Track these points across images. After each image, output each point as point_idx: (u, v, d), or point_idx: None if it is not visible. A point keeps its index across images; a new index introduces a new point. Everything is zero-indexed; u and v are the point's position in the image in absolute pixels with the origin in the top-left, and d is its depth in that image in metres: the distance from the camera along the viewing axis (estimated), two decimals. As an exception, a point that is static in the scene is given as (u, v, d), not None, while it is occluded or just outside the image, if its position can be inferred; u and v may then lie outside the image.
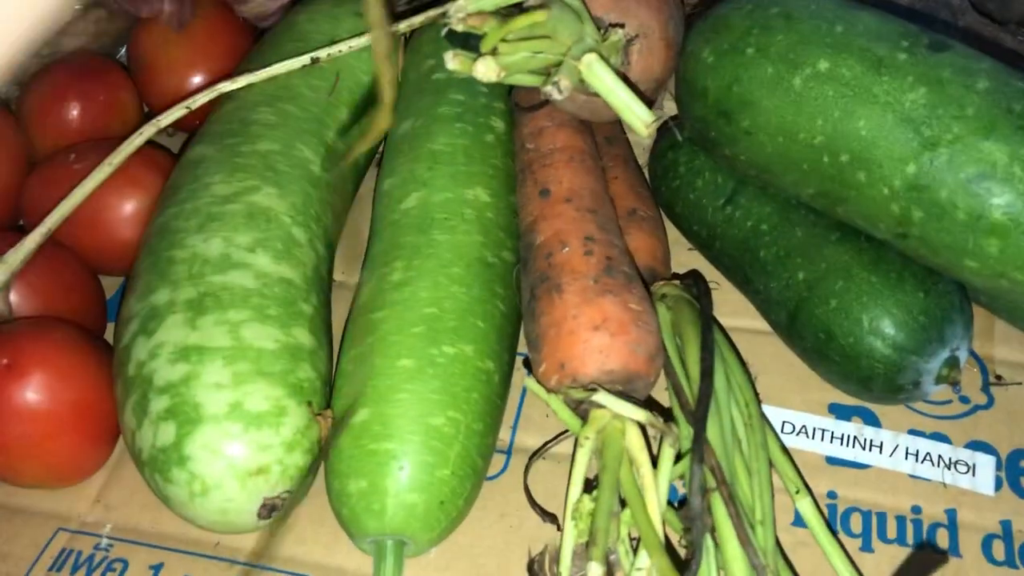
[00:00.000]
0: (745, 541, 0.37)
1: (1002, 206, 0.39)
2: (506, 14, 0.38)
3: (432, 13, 0.55)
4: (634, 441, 0.40)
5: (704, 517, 0.38)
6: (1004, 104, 0.39)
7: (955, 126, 0.39)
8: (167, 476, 0.42)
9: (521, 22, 0.37)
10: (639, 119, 0.39)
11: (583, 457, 0.40)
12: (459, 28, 0.38)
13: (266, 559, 0.46)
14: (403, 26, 0.55)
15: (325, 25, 0.59)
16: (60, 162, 0.56)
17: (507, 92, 0.56)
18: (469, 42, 0.39)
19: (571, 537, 0.39)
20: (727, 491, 0.38)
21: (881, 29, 0.43)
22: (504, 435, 0.50)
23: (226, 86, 0.54)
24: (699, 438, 0.38)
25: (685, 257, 0.56)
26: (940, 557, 0.43)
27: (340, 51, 0.55)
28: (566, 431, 0.47)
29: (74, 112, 0.60)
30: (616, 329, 0.41)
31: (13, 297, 0.50)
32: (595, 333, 0.41)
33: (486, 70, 0.37)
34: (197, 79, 0.61)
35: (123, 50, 0.66)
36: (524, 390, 0.52)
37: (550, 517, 0.45)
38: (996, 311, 0.50)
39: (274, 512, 0.43)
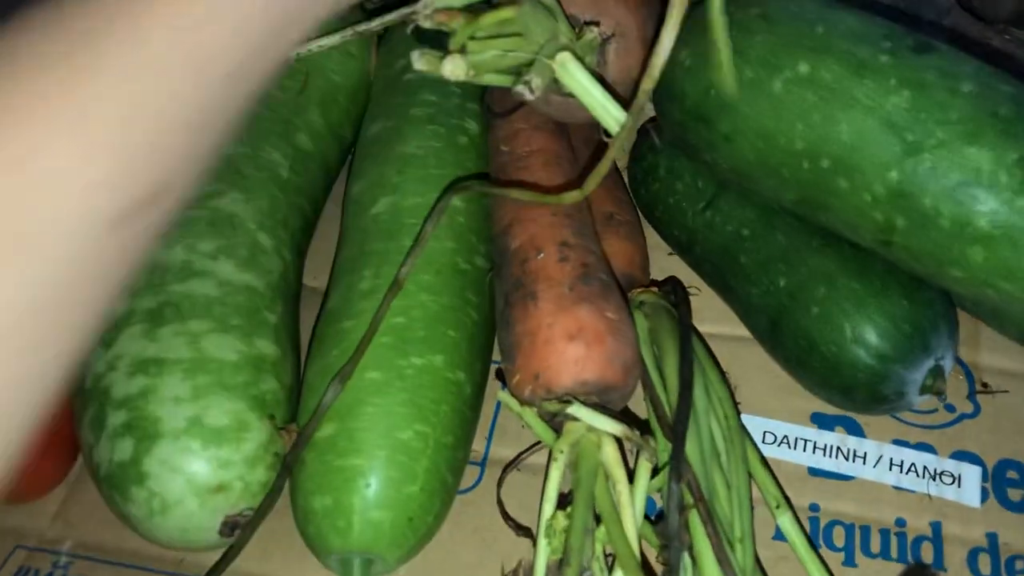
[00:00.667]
0: (724, 561, 0.35)
1: (987, 214, 0.37)
2: (475, 10, 0.37)
3: (406, 11, 0.53)
4: (610, 455, 0.39)
5: (681, 535, 0.36)
6: (989, 108, 0.38)
7: (939, 131, 0.38)
8: (125, 494, 0.41)
9: (490, 19, 0.35)
10: (614, 120, 0.38)
11: (556, 471, 0.39)
12: (427, 25, 0.36)
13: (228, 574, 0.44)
14: (376, 24, 0.54)
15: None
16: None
17: (481, 93, 0.54)
18: (440, 41, 0.38)
19: (544, 555, 0.38)
20: (705, 508, 0.36)
21: (863, 30, 0.41)
22: (479, 446, 0.49)
23: None
24: (678, 455, 0.37)
25: (665, 262, 0.54)
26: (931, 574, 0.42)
27: (310, 49, 0.54)
28: (540, 442, 0.45)
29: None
30: (592, 339, 0.40)
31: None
32: (571, 344, 0.40)
33: (454, 69, 0.36)
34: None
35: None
36: (499, 401, 0.50)
37: (524, 531, 0.44)
38: (982, 316, 0.49)
39: (235, 530, 0.42)
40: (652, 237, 0.54)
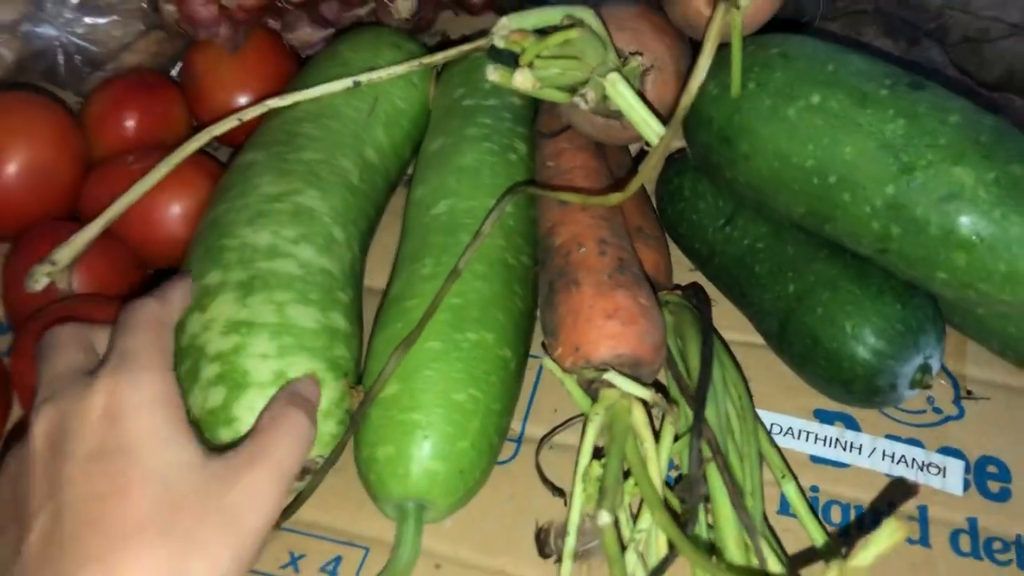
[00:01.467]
0: (738, 505, 0.41)
1: (968, 224, 0.44)
2: (543, 33, 0.44)
3: (464, 48, 0.61)
4: (639, 418, 0.45)
5: (701, 484, 0.42)
6: (973, 136, 0.45)
7: (929, 153, 0.45)
8: (214, 436, 0.46)
9: (557, 38, 0.43)
10: (654, 133, 0.45)
11: (593, 430, 0.45)
12: (501, 45, 0.43)
13: (292, 523, 0.50)
14: (439, 58, 0.61)
15: (366, 54, 0.65)
16: (119, 163, 0.61)
17: (530, 121, 0.61)
18: (508, 60, 0.45)
19: (580, 499, 0.43)
20: (722, 460, 0.42)
21: (867, 69, 0.48)
22: (515, 425, 0.55)
23: (275, 102, 0.59)
24: (699, 414, 0.43)
25: (686, 277, 0.61)
26: (912, 486, 0.48)
27: (380, 77, 0.61)
28: (574, 418, 0.52)
29: (131, 122, 0.66)
30: (627, 319, 0.46)
31: (73, 277, 0.55)
32: (608, 321, 0.46)
33: (523, 80, 0.43)
34: (245, 98, 0.67)
35: (177, 68, 0.71)
36: (535, 386, 0.56)
37: (559, 492, 0.49)
38: (967, 331, 0.55)
39: (306, 475, 0.48)
40: (674, 254, 0.61)
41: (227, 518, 0.36)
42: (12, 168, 0.61)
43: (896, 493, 0.51)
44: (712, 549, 0.44)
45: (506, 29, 0.43)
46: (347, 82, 0.61)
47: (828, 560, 0.33)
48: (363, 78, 0.61)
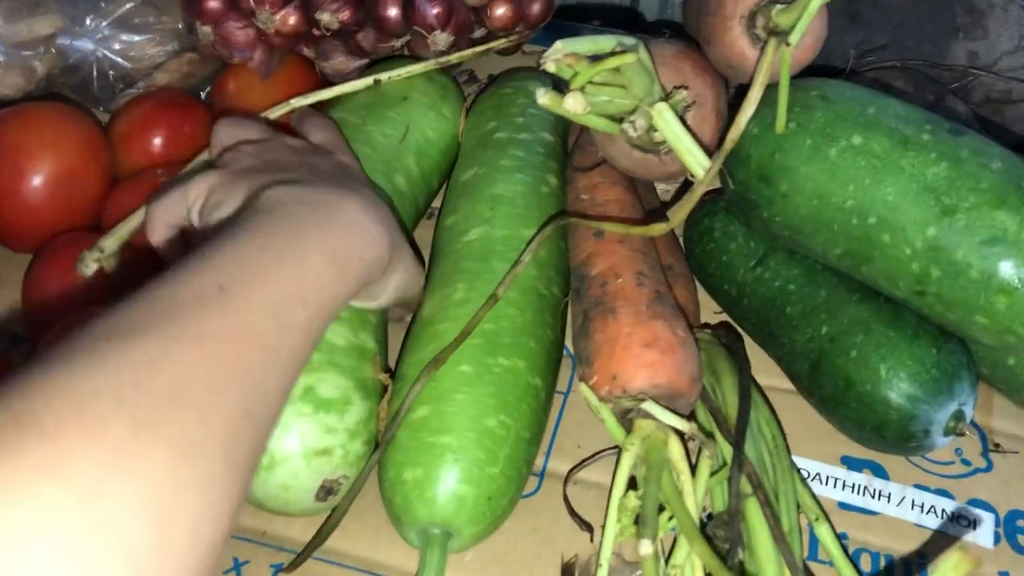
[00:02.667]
0: (780, 539, 0.40)
1: (1010, 268, 0.44)
2: (595, 59, 0.44)
3: (478, 48, 0.63)
4: (675, 450, 0.44)
5: (739, 518, 0.41)
6: (1015, 181, 0.45)
7: (971, 196, 0.45)
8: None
9: (610, 63, 0.43)
10: (699, 164, 0.45)
11: (628, 461, 0.44)
12: (552, 69, 0.44)
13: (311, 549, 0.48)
14: (455, 57, 0.63)
15: (399, 83, 0.65)
16: (146, 176, 0.61)
17: (561, 156, 0.62)
18: (556, 86, 0.45)
19: (614, 531, 0.42)
20: (763, 495, 0.41)
21: (907, 114, 0.49)
22: (538, 460, 0.53)
23: (298, 101, 0.60)
24: (739, 447, 0.42)
25: (712, 320, 0.60)
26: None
27: (399, 74, 0.62)
28: (603, 451, 0.51)
29: (158, 140, 0.65)
30: (665, 348, 0.46)
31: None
32: (646, 350, 0.46)
33: (575, 104, 0.43)
34: (274, 123, 0.67)
35: (207, 90, 0.71)
36: (558, 421, 0.55)
37: (587, 526, 0.48)
38: (994, 383, 0.55)
39: (329, 495, 0.46)
40: (699, 297, 0.61)
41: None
42: (39, 179, 0.60)
43: (930, 546, 0.50)
44: (747, 586, 0.43)
45: (559, 53, 0.43)
46: (368, 80, 0.61)
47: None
48: (383, 76, 0.62)
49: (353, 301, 0.43)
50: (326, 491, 0.46)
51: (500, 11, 0.65)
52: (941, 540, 0.50)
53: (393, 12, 0.64)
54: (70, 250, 0.57)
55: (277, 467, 0.45)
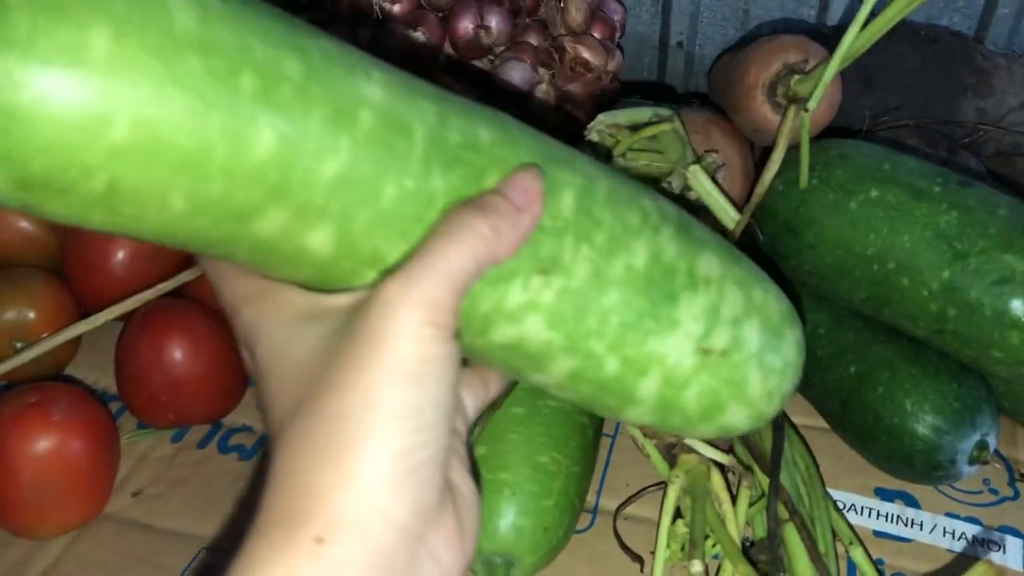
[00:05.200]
0: (816, 559, 0.44)
1: (1020, 305, 0.48)
2: (634, 129, 0.49)
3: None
4: (717, 481, 0.48)
5: (778, 540, 0.45)
6: (1020, 225, 0.49)
7: (981, 241, 0.49)
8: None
9: (649, 131, 0.48)
10: (730, 217, 0.50)
11: (674, 492, 0.48)
12: (595, 138, 0.49)
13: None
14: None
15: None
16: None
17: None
18: (598, 152, 0.51)
19: (664, 556, 0.46)
20: (800, 520, 0.45)
21: (919, 168, 0.54)
22: (590, 497, 0.57)
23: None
24: (775, 475, 0.46)
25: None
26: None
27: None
28: (649, 487, 0.54)
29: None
30: (704, 387, 0.50)
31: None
32: (686, 389, 0.50)
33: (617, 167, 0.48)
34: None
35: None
36: (607, 462, 0.59)
37: (637, 558, 0.52)
38: (1018, 417, 0.58)
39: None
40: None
41: None
42: (123, 254, 0.66)
43: (962, 569, 0.53)
44: (788, 607, 0.46)
45: (602, 124, 0.49)
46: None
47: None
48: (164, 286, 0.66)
49: None
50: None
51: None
52: (972, 564, 0.53)
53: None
54: (159, 317, 0.62)
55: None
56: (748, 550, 0.50)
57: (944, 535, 0.55)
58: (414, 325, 0.27)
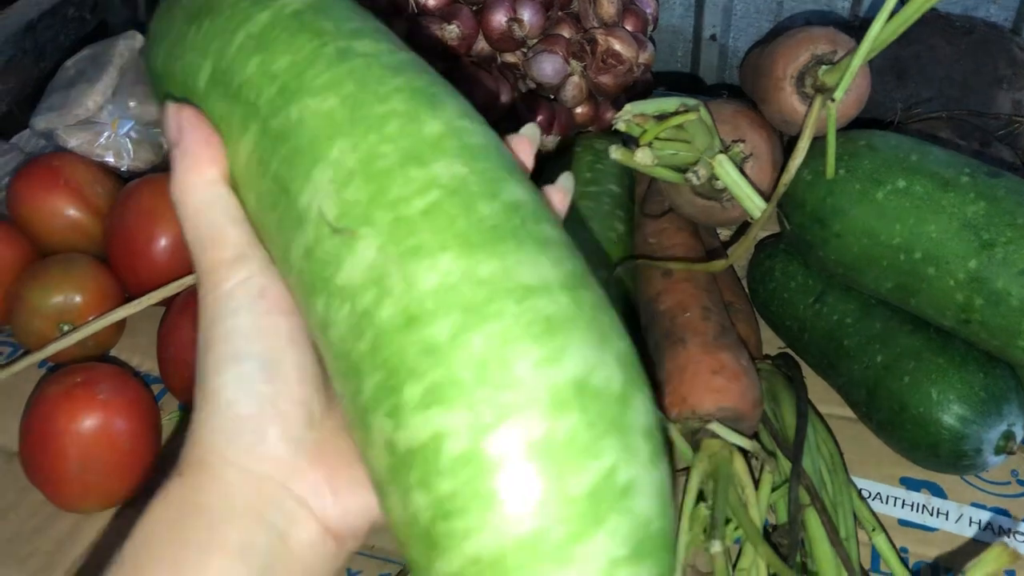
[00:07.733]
0: (836, 543, 0.44)
1: (1048, 295, 0.48)
2: (660, 118, 0.50)
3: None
4: (740, 466, 0.49)
5: (799, 524, 0.46)
6: (1048, 216, 0.49)
7: (1008, 231, 0.50)
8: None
9: (675, 120, 0.49)
10: (756, 206, 0.50)
11: (696, 476, 0.49)
12: (623, 127, 0.50)
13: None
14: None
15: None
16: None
17: (627, 206, 0.68)
18: (626, 142, 0.52)
19: (686, 538, 0.47)
20: (820, 504, 0.46)
21: (948, 159, 0.54)
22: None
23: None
24: (797, 459, 0.47)
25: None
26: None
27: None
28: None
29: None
30: (731, 376, 0.51)
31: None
32: (714, 376, 0.51)
33: (644, 157, 0.49)
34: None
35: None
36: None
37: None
38: (1047, 408, 0.58)
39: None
40: (766, 334, 0.65)
41: None
42: (165, 240, 0.68)
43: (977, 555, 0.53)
44: (810, 591, 0.47)
45: (629, 114, 0.49)
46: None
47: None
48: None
49: None
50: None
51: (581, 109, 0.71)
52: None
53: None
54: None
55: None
56: (770, 534, 0.50)
57: (970, 525, 0.55)
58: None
